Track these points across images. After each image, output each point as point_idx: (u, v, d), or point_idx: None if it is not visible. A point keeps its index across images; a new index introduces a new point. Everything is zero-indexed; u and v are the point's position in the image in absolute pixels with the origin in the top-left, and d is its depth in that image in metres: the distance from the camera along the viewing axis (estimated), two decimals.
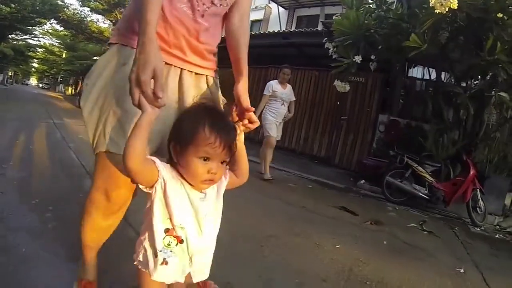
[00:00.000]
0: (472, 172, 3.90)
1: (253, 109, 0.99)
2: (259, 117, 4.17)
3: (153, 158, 0.81)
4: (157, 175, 0.80)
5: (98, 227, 1.06)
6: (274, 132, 4.29)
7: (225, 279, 0.99)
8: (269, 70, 8.08)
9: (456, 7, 2.73)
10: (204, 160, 0.80)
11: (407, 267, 2.12)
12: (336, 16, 4.92)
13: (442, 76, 4.94)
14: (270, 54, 8.54)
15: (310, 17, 13.00)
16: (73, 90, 32.89)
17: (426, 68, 5.54)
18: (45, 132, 5.07)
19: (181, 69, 1.03)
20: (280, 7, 13.94)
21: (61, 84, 47.05)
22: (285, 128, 4.93)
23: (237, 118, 0.98)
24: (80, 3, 17.37)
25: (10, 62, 29.76)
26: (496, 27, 3.11)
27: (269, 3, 14.61)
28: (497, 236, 3.56)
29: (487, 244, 3.11)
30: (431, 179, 4.06)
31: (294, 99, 4.55)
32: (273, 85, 4.35)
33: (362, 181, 4.98)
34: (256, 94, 8.13)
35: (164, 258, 0.82)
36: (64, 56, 29.40)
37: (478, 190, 3.91)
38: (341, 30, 4.39)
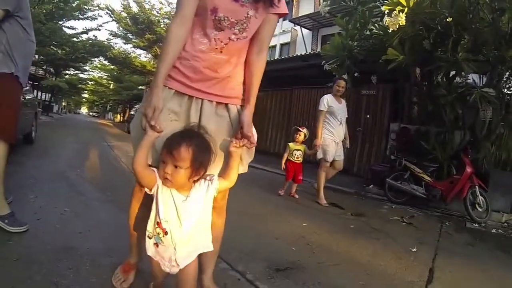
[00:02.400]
0: (468, 169, 4.06)
1: (250, 136, 1.19)
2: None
3: (154, 168, 1.09)
4: (155, 181, 1.07)
5: (134, 214, 1.34)
6: (331, 156, 3.86)
7: None
8: (293, 92, 8.74)
9: (404, 24, 3.14)
10: (163, 162, 1.05)
11: (356, 241, 2.41)
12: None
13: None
14: (293, 76, 9.14)
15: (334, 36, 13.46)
16: (121, 118, 36.08)
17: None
18: (101, 151, 6.42)
19: (202, 99, 1.21)
20: (303, 29, 14.69)
21: (110, 112, 51.52)
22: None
23: (240, 137, 1.19)
24: (124, 41, 19.92)
25: (65, 94, 34.70)
26: (455, 28, 3.41)
27: (294, 26, 15.48)
28: (493, 231, 3.56)
29: (472, 236, 3.12)
30: (428, 178, 4.28)
31: (347, 116, 4.10)
32: (329, 100, 3.81)
33: (371, 186, 5.26)
34: (283, 115, 8.92)
35: (155, 242, 1.10)
36: (111, 87, 33.20)
37: (476, 187, 3.99)
38: (328, 54, 4.96)
